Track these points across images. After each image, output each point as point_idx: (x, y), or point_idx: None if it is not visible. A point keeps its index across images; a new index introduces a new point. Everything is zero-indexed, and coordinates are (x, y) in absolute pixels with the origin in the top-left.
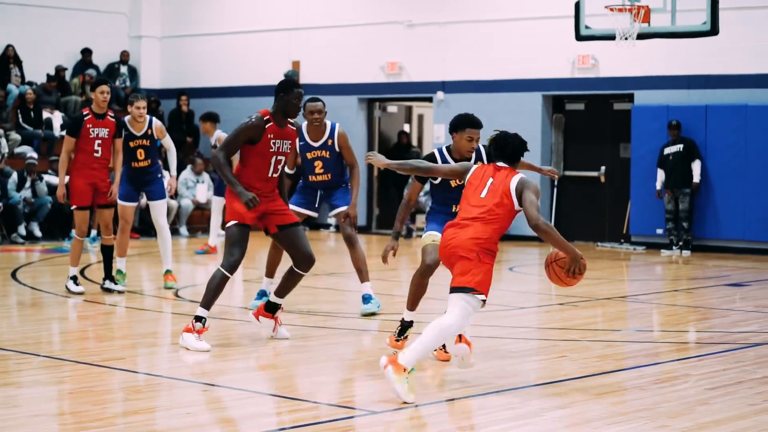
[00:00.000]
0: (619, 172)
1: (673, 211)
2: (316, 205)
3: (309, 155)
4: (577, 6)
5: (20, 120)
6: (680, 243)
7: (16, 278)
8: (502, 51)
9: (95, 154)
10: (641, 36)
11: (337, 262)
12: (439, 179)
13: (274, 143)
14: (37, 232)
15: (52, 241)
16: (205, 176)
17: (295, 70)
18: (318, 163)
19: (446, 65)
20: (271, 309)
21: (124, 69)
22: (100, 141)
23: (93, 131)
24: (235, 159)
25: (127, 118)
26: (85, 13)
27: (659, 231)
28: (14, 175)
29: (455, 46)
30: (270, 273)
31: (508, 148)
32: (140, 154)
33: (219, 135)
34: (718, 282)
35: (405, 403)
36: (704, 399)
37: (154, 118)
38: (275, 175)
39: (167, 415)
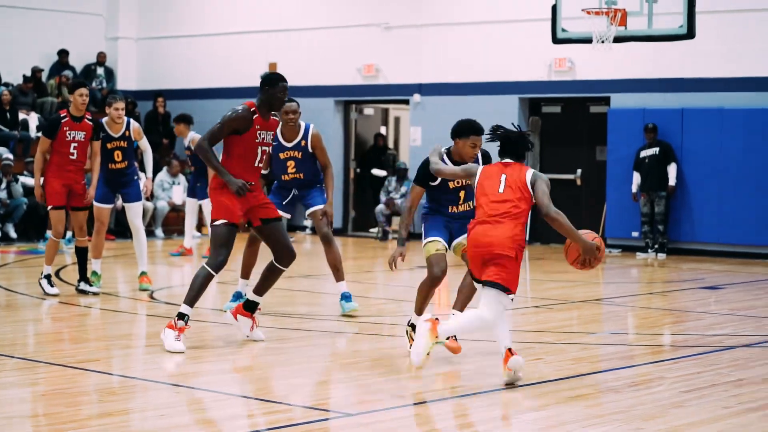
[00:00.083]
0: (595, 175)
1: (648, 214)
2: (291, 206)
3: (282, 155)
4: (554, 9)
5: None
6: (656, 246)
7: None
8: (479, 54)
9: (71, 157)
10: (618, 39)
11: (312, 264)
12: (438, 180)
13: (260, 134)
14: (12, 234)
15: (28, 242)
16: (181, 178)
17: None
18: (290, 163)
19: (423, 68)
20: (249, 308)
21: (100, 70)
22: (76, 144)
23: (69, 134)
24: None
25: (104, 120)
26: (61, 14)
27: (635, 234)
28: None
29: (432, 48)
30: (245, 274)
31: (513, 146)
32: (117, 155)
33: (193, 136)
34: (693, 285)
35: (414, 366)
36: (679, 402)
37: (131, 120)
38: (260, 166)
39: (141, 417)
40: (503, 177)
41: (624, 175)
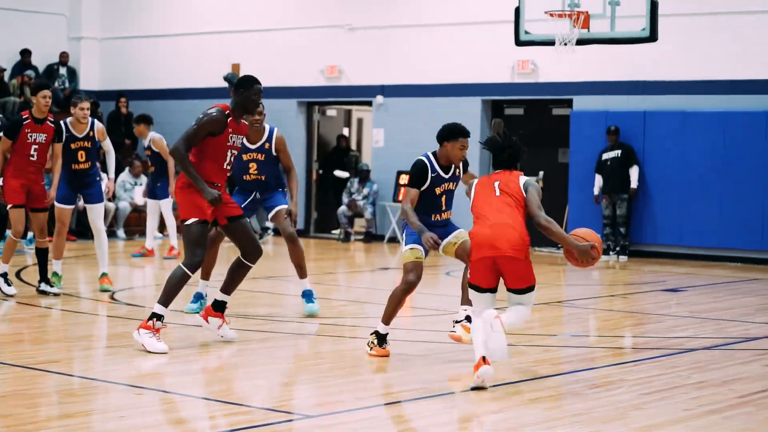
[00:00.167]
0: (557, 177)
1: (610, 216)
2: (251, 210)
3: (245, 157)
4: (517, 11)
5: None
6: (617, 248)
7: None
8: (442, 55)
9: (31, 158)
10: (580, 42)
11: (274, 266)
12: (425, 186)
13: (231, 137)
14: None
15: None
16: (143, 179)
17: (235, 73)
18: (252, 165)
19: (386, 69)
20: (218, 308)
21: (63, 70)
22: (37, 146)
23: (31, 136)
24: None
25: (69, 120)
26: (24, 13)
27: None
28: None
29: (395, 50)
30: (205, 275)
31: (506, 153)
32: (81, 156)
33: (153, 136)
34: (655, 287)
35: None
36: (639, 404)
37: (96, 120)
38: (228, 168)
39: (102, 419)
40: (496, 184)
41: (586, 178)
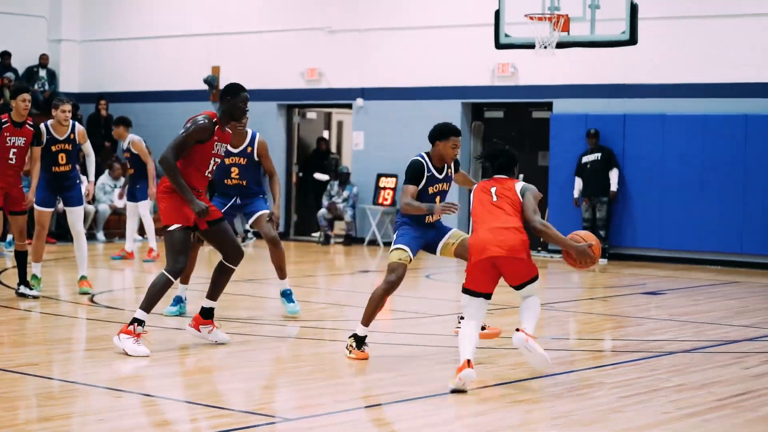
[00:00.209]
0: (537, 180)
1: (590, 219)
2: (230, 216)
3: (227, 161)
4: (497, 14)
5: None
6: None
7: None
8: (422, 58)
9: (9, 162)
10: (560, 45)
11: (255, 269)
12: (421, 185)
13: (216, 145)
14: None
15: None
16: (123, 181)
17: (215, 76)
18: (234, 169)
19: (366, 72)
20: (207, 314)
21: (43, 72)
22: (15, 150)
23: (10, 140)
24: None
25: (50, 122)
26: (4, 15)
27: None
28: None
29: (375, 52)
30: (185, 279)
31: (501, 160)
32: (62, 158)
33: (132, 139)
34: (634, 290)
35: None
36: (618, 407)
37: (77, 123)
38: (209, 175)
39: (81, 422)
40: (493, 189)
41: (566, 181)
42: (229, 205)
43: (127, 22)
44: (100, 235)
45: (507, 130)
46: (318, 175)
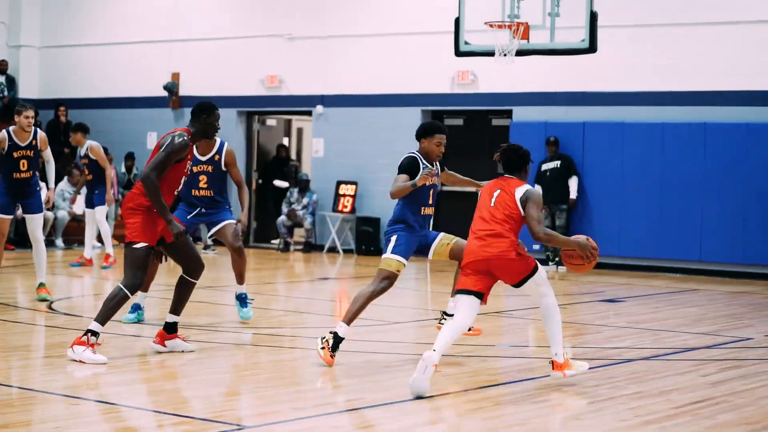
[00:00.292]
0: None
1: (549, 226)
2: (193, 226)
3: (195, 168)
4: (457, 22)
5: None
6: (556, 259)
7: None
8: (382, 66)
9: None
10: (520, 53)
11: (214, 276)
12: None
13: (189, 162)
14: None
15: None
16: (83, 188)
17: (174, 82)
18: (202, 178)
19: (326, 79)
20: (170, 329)
21: (2, 78)
22: None
23: None
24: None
25: (12, 128)
26: None
27: (536, 247)
28: None
29: (335, 60)
30: (144, 287)
31: (512, 160)
32: (23, 164)
33: (90, 145)
34: (593, 298)
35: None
36: (576, 414)
37: (38, 129)
38: (177, 192)
39: (40, 429)
40: (497, 192)
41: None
42: (194, 214)
43: (87, 29)
44: (59, 242)
45: (467, 138)
46: (277, 182)
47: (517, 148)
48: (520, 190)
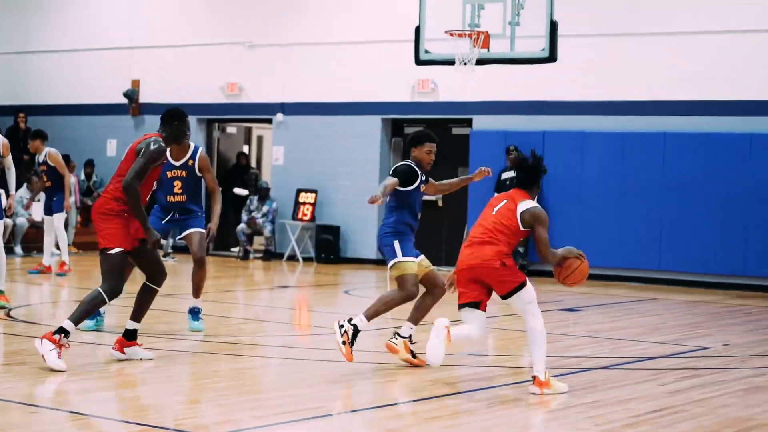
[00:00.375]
0: (456, 197)
1: None
2: (166, 231)
3: (169, 174)
4: (417, 30)
5: None
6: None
7: None
8: (343, 74)
9: None
10: (480, 61)
11: (173, 283)
12: (414, 185)
13: (162, 168)
14: None
15: None
16: (42, 195)
17: (135, 90)
18: (177, 183)
19: (286, 87)
20: (130, 336)
21: None
22: None
23: None
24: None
25: None
26: None
27: None
28: None
29: (296, 68)
30: None
31: (524, 173)
32: None
33: (48, 151)
34: (552, 307)
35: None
36: (535, 423)
37: (1, 136)
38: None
39: None
40: (502, 203)
41: (485, 197)
42: (167, 219)
43: (47, 35)
44: (18, 249)
45: None
46: (237, 190)
47: (528, 166)
48: (524, 205)
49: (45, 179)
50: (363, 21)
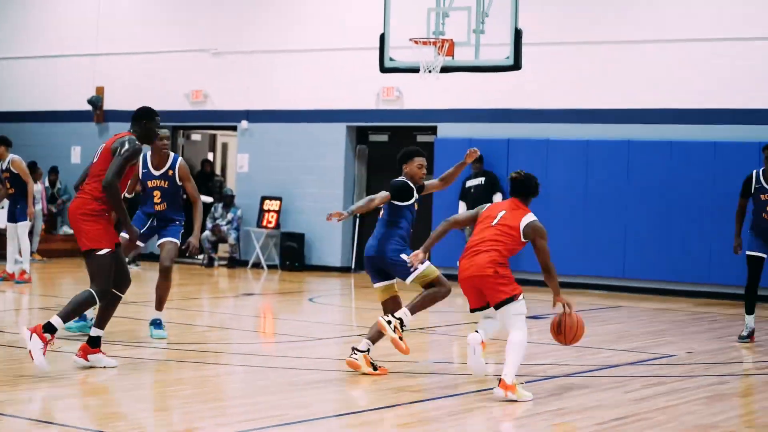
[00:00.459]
0: (421, 204)
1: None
2: (146, 237)
3: (150, 183)
4: (382, 38)
5: None
6: None
7: None
8: (307, 81)
9: None
10: (445, 69)
11: (137, 291)
12: (412, 200)
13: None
14: None
15: None
16: (5, 202)
17: (99, 96)
18: (157, 193)
19: (251, 94)
20: (94, 343)
21: None
22: None
23: None
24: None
25: None
26: None
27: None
28: None
29: (261, 75)
30: None
31: (522, 187)
32: None
33: (12, 158)
34: None
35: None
36: (501, 430)
37: None
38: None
39: None
40: (502, 213)
41: (450, 205)
42: (147, 226)
43: (9, 41)
44: None
45: (392, 154)
46: (202, 198)
47: (523, 180)
48: (526, 219)
49: (8, 186)
50: (328, 28)
